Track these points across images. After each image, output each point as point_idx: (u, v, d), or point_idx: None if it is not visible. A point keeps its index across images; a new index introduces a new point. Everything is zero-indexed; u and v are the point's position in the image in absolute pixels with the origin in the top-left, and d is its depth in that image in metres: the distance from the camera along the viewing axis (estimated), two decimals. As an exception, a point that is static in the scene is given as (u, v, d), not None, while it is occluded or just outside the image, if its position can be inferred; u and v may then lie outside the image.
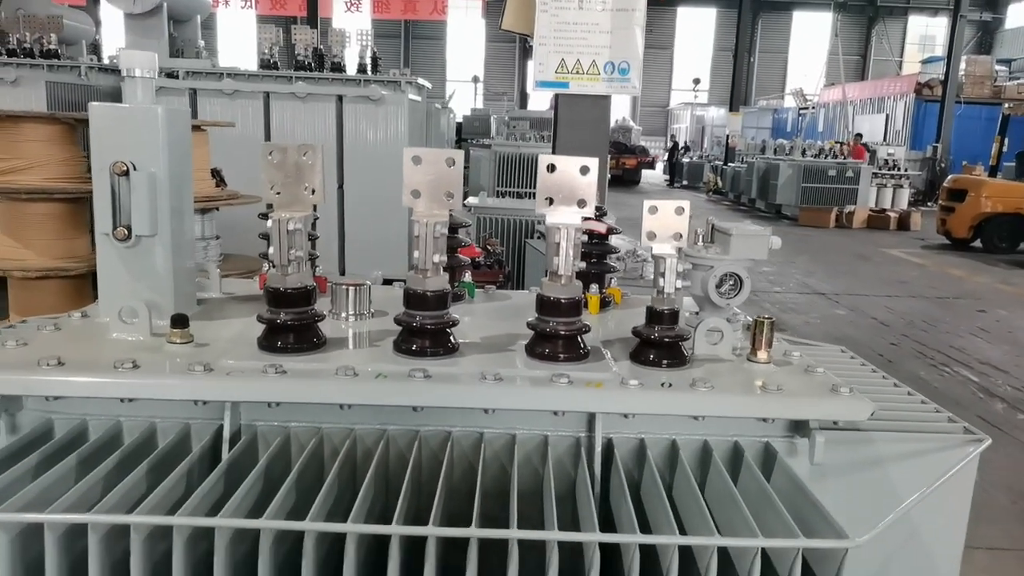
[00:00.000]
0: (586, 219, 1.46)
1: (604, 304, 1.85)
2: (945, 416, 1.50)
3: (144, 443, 1.29)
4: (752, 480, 1.24)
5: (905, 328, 7.78)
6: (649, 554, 1.11)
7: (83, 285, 3.83)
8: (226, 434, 1.27)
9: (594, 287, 1.84)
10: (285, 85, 7.29)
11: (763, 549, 1.05)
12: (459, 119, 17.70)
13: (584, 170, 1.37)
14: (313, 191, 1.39)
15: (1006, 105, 18.28)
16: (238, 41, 33.20)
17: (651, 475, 1.26)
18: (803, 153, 18.84)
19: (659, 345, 1.40)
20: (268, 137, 7.25)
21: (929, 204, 20.74)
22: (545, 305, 1.39)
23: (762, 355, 1.45)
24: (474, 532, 1.04)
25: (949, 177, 15.73)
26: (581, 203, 1.38)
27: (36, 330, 1.46)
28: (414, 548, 1.10)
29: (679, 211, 1.42)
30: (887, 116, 27.88)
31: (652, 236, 1.42)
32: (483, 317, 1.75)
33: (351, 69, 7.61)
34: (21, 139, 3.45)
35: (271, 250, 1.34)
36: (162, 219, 1.53)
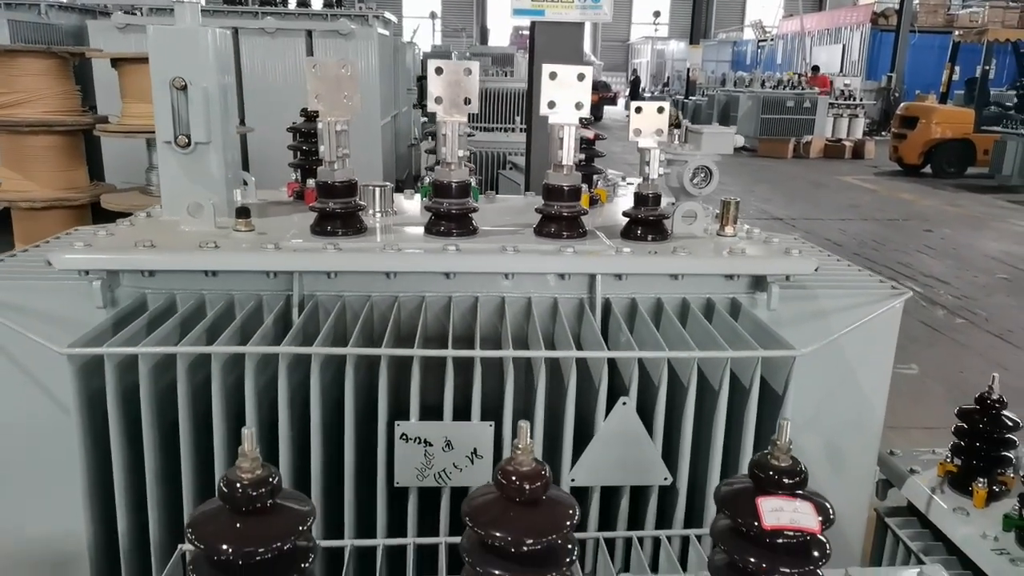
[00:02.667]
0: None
1: (593, 202, 2.14)
2: (877, 279, 1.83)
3: (225, 313, 1.55)
4: (722, 323, 1.56)
5: (857, 248, 8.24)
6: (644, 373, 1.43)
7: (84, 214, 4.00)
8: (295, 300, 1.54)
9: (584, 186, 2.11)
10: (253, 20, 7.29)
11: (730, 363, 1.37)
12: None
13: (580, 76, 1.64)
14: (350, 99, 1.64)
15: (956, 32, 18.70)
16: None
17: (643, 322, 1.57)
18: (762, 85, 19.12)
19: (645, 222, 1.70)
20: (239, 73, 7.29)
21: (884, 133, 21.24)
22: (551, 192, 1.68)
23: (729, 230, 1.75)
24: (510, 353, 1.34)
25: (901, 105, 16.18)
26: (578, 105, 1.65)
27: (115, 226, 1.70)
28: (461, 369, 1.39)
29: (660, 110, 1.70)
30: (843, 47, 28.17)
31: (638, 132, 1.70)
32: (490, 214, 2.02)
33: (316, 4, 7.63)
34: (18, 73, 3.56)
35: (322, 148, 1.60)
36: (214, 128, 1.76)
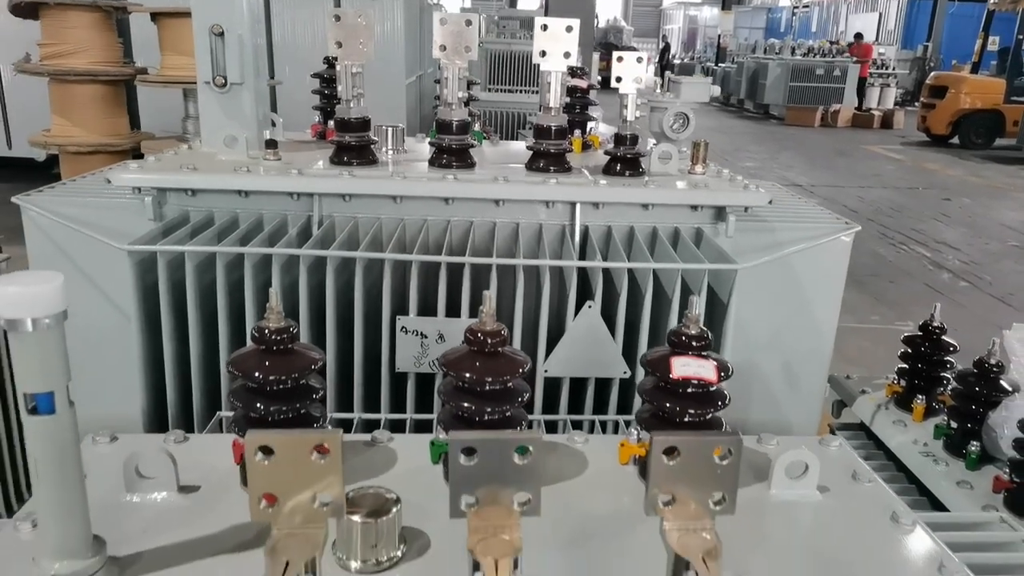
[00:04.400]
0: (573, 75, 1.95)
1: (586, 147, 2.36)
2: (831, 215, 2.04)
3: (255, 227, 1.81)
4: (685, 248, 1.79)
5: (872, 214, 8.33)
6: (609, 284, 1.67)
7: (125, 159, 4.28)
8: (315, 219, 1.80)
9: (577, 132, 2.34)
10: (284, -19, 7.49)
11: (681, 274, 1.60)
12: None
13: (568, 28, 1.85)
14: (366, 45, 1.87)
15: (991, 1, 18.31)
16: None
17: (615, 248, 1.80)
18: (792, 52, 18.92)
19: (623, 160, 1.92)
20: (269, 33, 7.52)
21: (916, 104, 20.99)
22: (540, 131, 1.91)
23: (698, 168, 1.97)
24: (494, 261, 1.59)
25: (932, 74, 15.98)
26: (566, 55, 1.87)
27: (162, 154, 1.96)
28: (451, 277, 1.64)
29: (639, 60, 1.91)
30: (880, 15, 27.62)
31: (619, 80, 1.92)
32: (490, 155, 2.26)
33: (345, -35, 7.79)
34: (68, 26, 3.83)
35: (340, 87, 1.84)
36: (247, 72, 2.01)
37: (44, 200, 1.81)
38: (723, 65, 23.93)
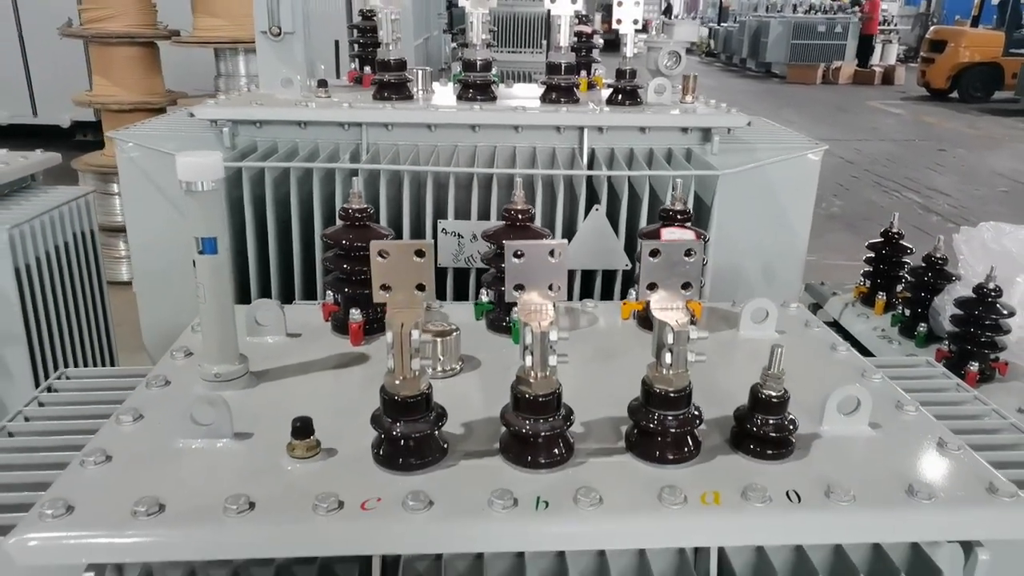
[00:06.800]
0: (579, 22, 2.26)
1: (591, 87, 2.67)
2: (804, 137, 2.36)
3: (314, 152, 2.14)
4: (678, 164, 2.12)
5: (868, 165, 8.61)
6: (613, 192, 2.00)
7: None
8: (363, 147, 2.13)
9: (583, 73, 2.65)
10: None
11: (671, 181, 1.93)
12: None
13: (575, -23, 2.16)
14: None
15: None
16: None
17: (619, 165, 2.13)
18: (794, 10, 18.96)
19: (623, 91, 2.25)
20: None
21: (918, 60, 21.03)
22: (552, 67, 2.23)
23: (688, 98, 2.29)
24: (518, 172, 1.92)
25: (931, 28, 16.07)
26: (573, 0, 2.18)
27: (229, 92, 2.28)
28: (483, 187, 1.98)
29: (636, 4, 2.22)
30: (883, -30, 27.42)
31: (619, 22, 2.23)
32: (509, 93, 2.58)
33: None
34: (106, -10, 4.13)
35: (381, 33, 2.15)
36: (297, 22, 2.33)
37: (135, 135, 2.14)
38: (725, 25, 23.91)
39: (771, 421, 1.07)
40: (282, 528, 0.93)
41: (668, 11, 32.57)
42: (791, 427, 1.07)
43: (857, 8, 18.72)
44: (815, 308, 2.65)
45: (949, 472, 1.06)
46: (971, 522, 1.01)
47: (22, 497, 1.09)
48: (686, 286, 1.07)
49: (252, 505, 0.95)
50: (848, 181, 7.81)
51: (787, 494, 1.00)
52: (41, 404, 1.40)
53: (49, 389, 1.45)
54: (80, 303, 2.35)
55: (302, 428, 1.04)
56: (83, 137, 8.16)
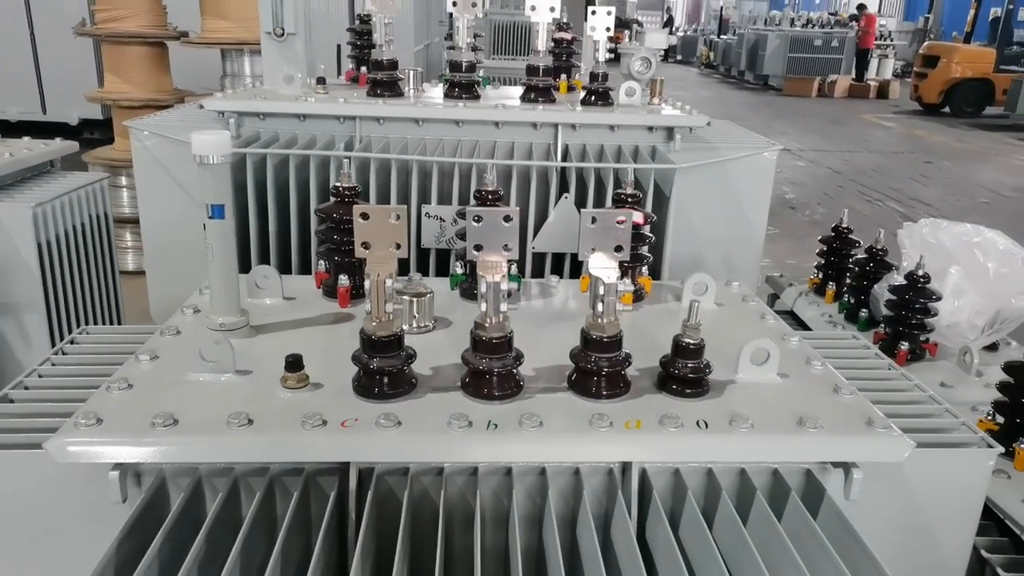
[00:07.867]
0: (560, 29, 2.47)
1: (571, 89, 2.88)
2: (764, 139, 2.57)
3: (311, 142, 2.35)
4: (643, 159, 2.32)
5: (854, 175, 8.83)
6: (581, 181, 2.20)
7: (170, 115, 4.80)
8: (357, 138, 2.34)
9: (563, 77, 2.86)
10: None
11: (634, 172, 2.14)
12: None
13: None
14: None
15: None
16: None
17: (588, 159, 2.34)
18: (792, 23, 19.24)
19: (596, 92, 2.45)
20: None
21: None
22: (530, 69, 2.44)
23: (656, 100, 2.50)
24: (493, 162, 2.13)
25: (924, 44, 16.33)
26: (551, 8, 2.38)
27: (235, 89, 2.49)
28: (461, 181, 2.18)
29: (608, 13, 2.43)
30: (882, -14, 27.78)
31: (593, 29, 2.44)
32: (492, 94, 2.79)
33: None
34: (119, -9, 4.34)
35: (375, 35, 2.36)
36: (299, 25, 2.54)
37: (148, 124, 2.34)
38: (724, 37, 24.21)
39: (689, 364, 1.27)
40: (275, 438, 1.13)
41: (670, 22, 32.93)
42: (706, 370, 1.27)
43: (854, 23, 18.96)
44: (774, 299, 2.86)
45: (837, 409, 1.27)
46: (849, 446, 1.21)
47: (52, 422, 1.28)
48: (618, 249, 1.27)
49: (250, 421, 1.15)
50: (833, 190, 8.03)
51: (697, 422, 1.20)
52: (65, 353, 1.60)
53: (72, 342, 1.65)
54: (94, 279, 2.55)
55: (294, 363, 1.24)
56: (90, 135, 8.38)
